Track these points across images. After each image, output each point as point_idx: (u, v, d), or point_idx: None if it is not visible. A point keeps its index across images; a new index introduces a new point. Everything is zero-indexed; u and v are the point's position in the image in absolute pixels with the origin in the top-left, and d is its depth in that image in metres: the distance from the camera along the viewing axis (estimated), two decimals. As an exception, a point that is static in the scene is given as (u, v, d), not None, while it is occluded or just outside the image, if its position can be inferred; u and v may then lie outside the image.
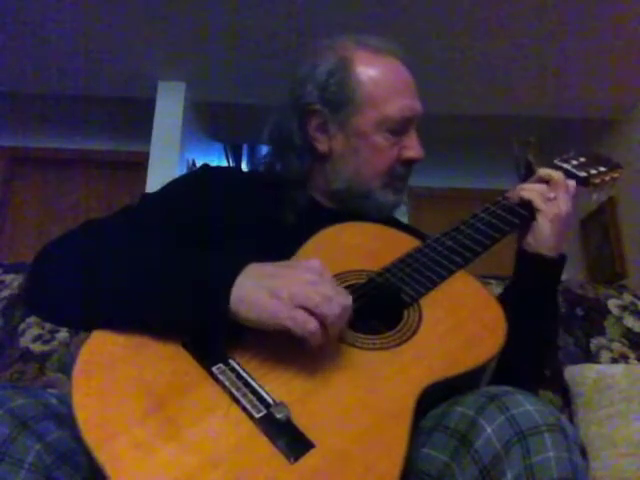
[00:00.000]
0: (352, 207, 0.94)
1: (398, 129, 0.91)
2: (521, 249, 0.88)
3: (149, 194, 0.93)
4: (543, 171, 0.90)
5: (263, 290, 0.63)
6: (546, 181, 0.88)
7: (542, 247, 0.85)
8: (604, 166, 0.96)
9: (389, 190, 0.94)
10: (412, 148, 0.92)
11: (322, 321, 0.61)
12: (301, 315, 0.61)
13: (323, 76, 0.93)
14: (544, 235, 0.85)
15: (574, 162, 0.95)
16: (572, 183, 0.89)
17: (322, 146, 0.94)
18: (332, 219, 0.88)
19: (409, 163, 0.94)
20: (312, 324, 0.61)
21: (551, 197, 0.85)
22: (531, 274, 0.87)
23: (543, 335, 0.88)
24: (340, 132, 0.93)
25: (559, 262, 0.87)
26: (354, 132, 0.92)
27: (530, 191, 0.86)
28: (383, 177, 0.93)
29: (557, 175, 0.88)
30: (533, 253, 0.86)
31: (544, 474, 0.52)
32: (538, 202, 0.85)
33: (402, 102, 0.91)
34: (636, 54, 3.09)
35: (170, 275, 0.69)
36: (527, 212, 0.85)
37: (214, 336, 0.66)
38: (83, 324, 0.71)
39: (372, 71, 0.92)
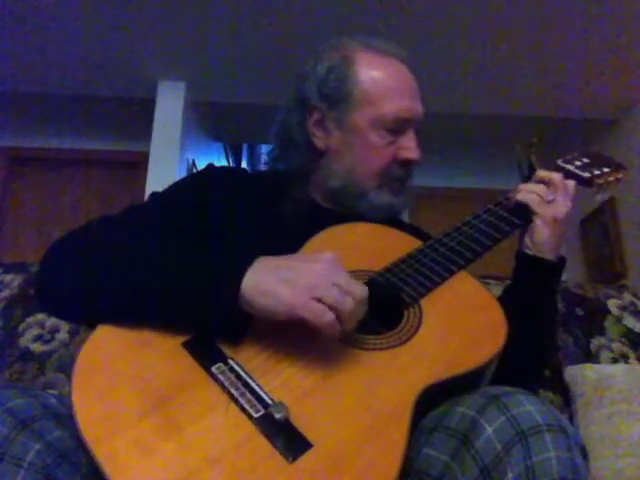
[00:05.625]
0: (348, 207, 0.94)
1: (395, 129, 0.91)
2: (520, 251, 0.88)
3: (157, 193, 0.94)
4: (542, 173, 0.89)
5: (280, 281, 0.64)
6: (545, 182, 0.88)
7: (540, 250, 0.85)
8: (607, 167, 0.96)
9: (384, 191, 0.93)
10: (409, 149, 0.92)
11: (338, 314, 0.62)
12: (318, 306, 0.62)
13: (323, 72, 0.94)
14: (542, 238, 0.85)
15: (577, 163, 0.95)
16: (571, 183, 0.89)
17: (320, 142, 0.94)
18: (331, 220, 0.88)
19: (406, 164, 0.93)
20: (329, 316, 0.62)
21: (550, 199, 0.85)
22: (529, 277, 0.87)
23: (542, 336, 0.88)
24: (337, 129, 0.93)
25: (558, 265, 0.87)
26: (350, 129, 0.92)
27: (526, 193, 0.86)
28: (378, 177, 0.92)
29: (556, 177, 0.88)
30: (531, 256, 0.86)
31: (545, 474, 0.52)
32: (534, 205, 0.85)
33: (399, 102, 0.91)
34: (636, 54, 3.09)
35: (179, 266, 0.69)
36: (527, 214, 0.85)
37: (220, 329, 0.66)
38: (92, 316, 0.71)
39: (372, 70, 0.92)
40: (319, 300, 0.62)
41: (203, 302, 0.66)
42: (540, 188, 0.86)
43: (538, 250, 0.85)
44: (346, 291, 0.63)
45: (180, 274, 0.68)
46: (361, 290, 0.65)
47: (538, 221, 0.85)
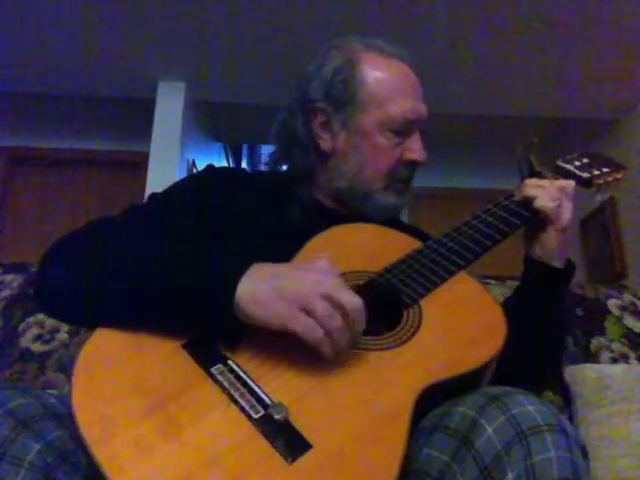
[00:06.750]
0: (353, 208, 0.94)
1: (401, 130, 0.91)
2: (529, 257, 0.88)
3: (157, 193, 0.94)
4: (534, 181, 0.88)
5: (272, 289, 0.63)
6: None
7: (551, 258, 0.86)
8: (607, 167, 0.96)
9: (390, 192, 0.94)
10: (415, 150, 0.92)
11: (327, 331, 0.61)
12: (309, 321, 0.61)
13: (329, 74, 0.94)
14: (553, 246, 0.85)
15: (577, 163, 0.95)
16: (571, 183, 0.88)
17: (325, 144, 0.94)
18: (334, 220, 0.88)
19: (411, 165, 0.94)
20: (318, 332, 0.61)
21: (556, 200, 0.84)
22: (541, 284, 0.87)
23: (549, 342, 0.89)
24: (343, 130, 0.93)
25: (568, 272, 0.88)
26: (357, 131, 0.92)
27: (533, 188, 0.86)
28: (385, 178, 0.93)
29: (556, 182, 0.87)
30: (543, 264, 0.86)
31: (545, 474, 0.52)
32: (545, 200, 0.84)
33: (405, 103, 0.91)
34: (636, 54, 3.09)
35: (174, 271, 0.69)
36: (529, 213, 0.85)
37: (216, 333, 0.66)
38: (91, 317, 0.71)
39: (377, 72, 0.93)
40: (309, 313, 0.61)
41: (201, 304, 0.66)
42: (544, 182, 0.86)
43: (548, 259, 0.86)
44: (337, 305, 0.62)
45: (179, 276, 0.68)
46: (355, 301, 0.62)
47: (550, 230, 0.85)
